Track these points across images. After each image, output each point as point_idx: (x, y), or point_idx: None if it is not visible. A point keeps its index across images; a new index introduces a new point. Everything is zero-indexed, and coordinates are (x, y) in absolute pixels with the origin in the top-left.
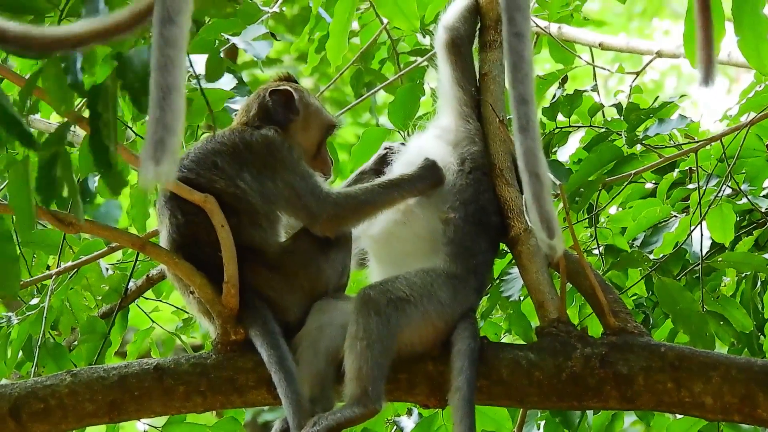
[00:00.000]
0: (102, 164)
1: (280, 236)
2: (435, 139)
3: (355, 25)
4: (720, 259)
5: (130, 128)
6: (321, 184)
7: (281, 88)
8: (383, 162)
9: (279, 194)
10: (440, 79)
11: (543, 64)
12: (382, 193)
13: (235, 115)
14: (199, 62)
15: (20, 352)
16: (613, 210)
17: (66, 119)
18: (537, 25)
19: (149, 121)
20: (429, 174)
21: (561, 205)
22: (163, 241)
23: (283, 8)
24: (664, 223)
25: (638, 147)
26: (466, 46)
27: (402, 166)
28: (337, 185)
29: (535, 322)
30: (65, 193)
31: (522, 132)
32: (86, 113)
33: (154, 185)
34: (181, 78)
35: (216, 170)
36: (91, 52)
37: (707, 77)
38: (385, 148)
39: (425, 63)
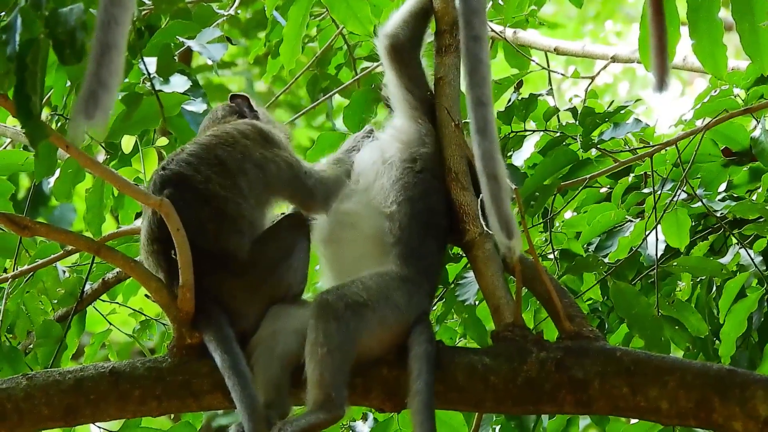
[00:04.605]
0: (24, 113)
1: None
2: (389, 138)
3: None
4: (675, 263)
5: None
6: (314, 166)
7: (238, 94)
8: None
9: (280, 176)
10: (387, 84)
11: (498, 68)
12: (343, 163)
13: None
14: (153, 65)
15: None
16: (568, 214)
17: None
18: (493, 30)
19: (85, 76)
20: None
21: (516, 209)
22: (143, 231)
23: (238, 12)
24: (619, 228)
25: (593, 151)
26: (408, 51)
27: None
28: None
29: (490, 327)
30: None
31: (480, 134)
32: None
33: (83, 138)
34: (122, 37)
35: (218, 167)
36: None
37: (661, 83)
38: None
39: (381, 68)
